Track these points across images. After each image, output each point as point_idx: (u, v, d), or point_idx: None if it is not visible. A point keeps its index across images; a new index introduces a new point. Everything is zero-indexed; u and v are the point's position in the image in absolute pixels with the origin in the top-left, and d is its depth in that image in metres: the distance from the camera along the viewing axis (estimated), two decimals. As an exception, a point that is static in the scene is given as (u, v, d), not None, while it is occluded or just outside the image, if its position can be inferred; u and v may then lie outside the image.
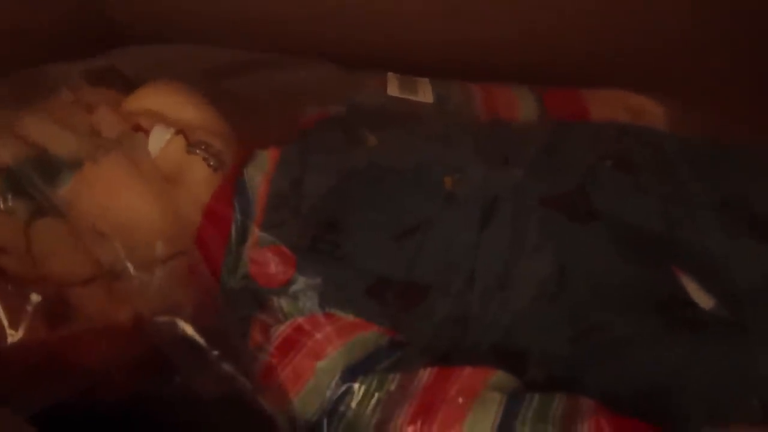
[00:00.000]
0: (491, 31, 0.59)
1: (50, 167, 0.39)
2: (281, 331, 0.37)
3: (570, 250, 0.39)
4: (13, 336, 0.34)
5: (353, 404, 0.35)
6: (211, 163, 0.41)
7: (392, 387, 0.35)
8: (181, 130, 0.41)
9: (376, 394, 0.35)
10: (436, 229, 0.40)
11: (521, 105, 0.52)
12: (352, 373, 0.36)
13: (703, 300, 0.38)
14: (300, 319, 0.37)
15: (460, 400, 0.34)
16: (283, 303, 0.38)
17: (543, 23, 0.58)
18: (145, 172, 0.39)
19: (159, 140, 0.41)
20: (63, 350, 0.38)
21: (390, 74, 0.52)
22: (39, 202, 0.39)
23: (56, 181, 0.39)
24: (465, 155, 0.42)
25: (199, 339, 0.34)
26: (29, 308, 0.35)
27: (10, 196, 0.39)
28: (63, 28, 0.56)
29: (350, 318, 0.38)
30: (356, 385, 0.36)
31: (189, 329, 0.33)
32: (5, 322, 0.35)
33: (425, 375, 0.36)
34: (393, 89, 0.49)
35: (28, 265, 0.39)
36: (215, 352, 0.33)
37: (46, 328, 0.38)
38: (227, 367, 0.33)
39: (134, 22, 0.60)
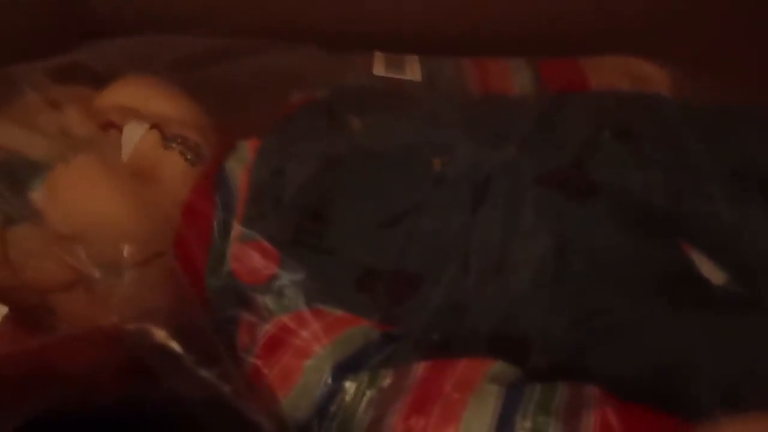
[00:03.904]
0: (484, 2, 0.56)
1: (21, 172, 0.38)
2: (266, 330, 0.36)
3: (568, 229, 0.37)
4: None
5: (344, 403, 0.34)
6: (188, 157, 0.40)
7: (385, 384, 0.34)
8: (155, 125, 0.40)
9: (368, 392, 0.34)
10: (426, 213, 0.38)
11: (516, 78, 0.50)
12: (342, 370, 0.34)
13: (715, 275, 0.35)
14: (285, 318, 0.35)
15: (457, 395, 0.32)
16: (268, 301, 0.36)
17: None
18: (117, 172, 0.38)
19: (133, 136, 0.40)
20: (47, 358, 0.37)
21: (377, 53, 0.50)
22: (12, 208, 0.38)
23: (28, 186, 0.38)
24: (454, 134, 0.40)
25: (174, 345, 0.32)
26: (-1, 320, 0.34)
27: (-18, 204, 0.38)
28: (45, 23, 0.55)
29: (338, 313, 0.36)
30: (347, 384, 0.34)
31: (162, 335, 0.32)
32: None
33: (419, 369, 0.34)
34: (379, 69, 0.47)
35: (8, 273, 0.38)
36: (191, 357, 0.32)
37: (28, 336, 0.38)
38: (204, 372, 0.32)
39: (118, 13, 0.58)
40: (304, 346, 0.35)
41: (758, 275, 0.35)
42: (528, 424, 0.31)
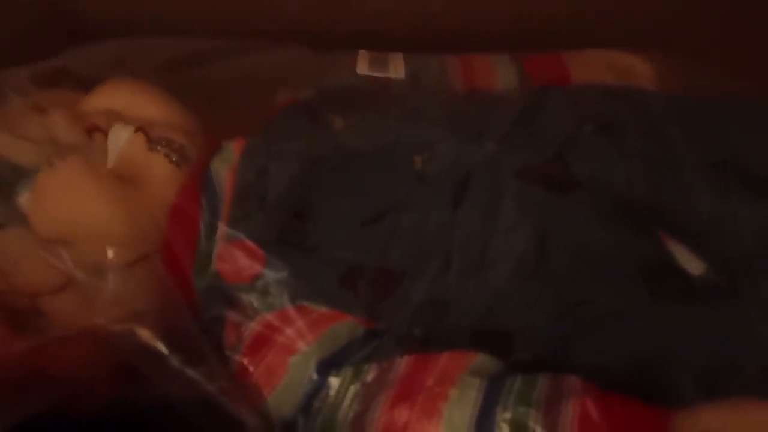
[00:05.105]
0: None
1: (7, 176, 0.38)
2: (252, 329, 0.36)
3: (549, 223, 0.37)
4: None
5: (329, 399, 0.34)
6: (174, 159, 0.40)
7: (369, 378, 0.34)
8: (140, 128, 0.40)
9: (352, 387, 0.34)
10: (408, 211, 0.38)
11: (500, 73, 0.50)
12: (326, 366, 0.34)
13: (693, 266, 0.36)
14: (269, 316, 0.36)
15: (439, 388, 0.33)
16: (253, 299, 0.37)
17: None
18: (103, 175, 0.38)
19: (118, 140, 0.40)
20: (37, 360, 0.38)
21: (361, 52, 0.50)
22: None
23: (14, 190, 0.38)
24: (435, 131, 0.40)
25: (159, 345, 0.32)
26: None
27: (-30, 209, 0.38)
28: (31, 26, 0.55)
29: (323, 310, 0.36)
30: (331, 379, 0.34)
31: (148, 335, 0.32)
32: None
33: (402, 364, 0.34)
34: (362, 67, 0.47)
35: (-2, 277, 0.39)
36: (177, 358, 0.32)
37: (18, 338, 0.38)
38: (190, 372, 0.32)
39: (104, 16, 0.59)
40: (289, 342, 0.35)
41: (736, 266, 0.35)
42: (508, 415, 0.31)
